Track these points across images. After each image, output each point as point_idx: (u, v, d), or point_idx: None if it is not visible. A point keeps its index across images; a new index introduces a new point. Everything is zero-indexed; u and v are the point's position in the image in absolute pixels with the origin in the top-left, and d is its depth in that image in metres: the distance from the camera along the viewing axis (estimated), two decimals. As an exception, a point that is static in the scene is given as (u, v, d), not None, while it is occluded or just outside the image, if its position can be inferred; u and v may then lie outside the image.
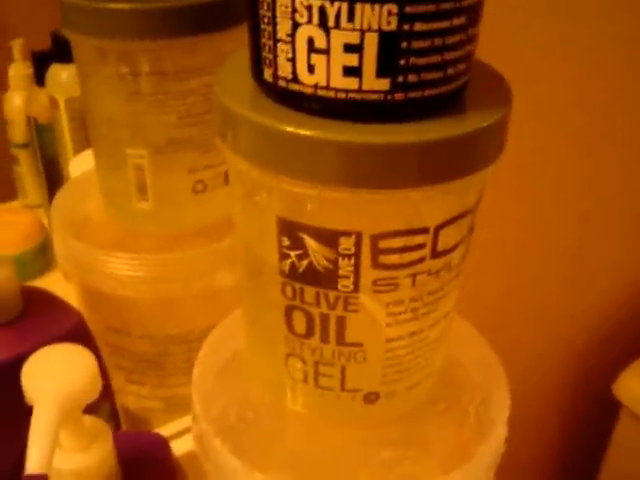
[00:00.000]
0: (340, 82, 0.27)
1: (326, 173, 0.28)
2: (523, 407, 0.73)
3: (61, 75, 0.71)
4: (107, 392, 0.52)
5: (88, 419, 0.35)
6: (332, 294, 0.31)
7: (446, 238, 0.30)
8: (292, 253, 0.30)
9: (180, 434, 0.49)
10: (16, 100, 0.84)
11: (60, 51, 0.72)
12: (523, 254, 0.73)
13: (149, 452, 0.40)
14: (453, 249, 0.31)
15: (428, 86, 0.27)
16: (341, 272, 0.30)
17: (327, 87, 0.27)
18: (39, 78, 0.75)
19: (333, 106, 0.27)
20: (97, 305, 0.51)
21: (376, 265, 0.30)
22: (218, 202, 0.48)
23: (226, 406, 0.38)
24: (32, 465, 0.29)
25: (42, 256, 0.77)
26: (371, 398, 0.34)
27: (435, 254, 0.30)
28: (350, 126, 0.27)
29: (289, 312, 0.32)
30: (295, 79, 0.28)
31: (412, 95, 0.27)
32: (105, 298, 0.49)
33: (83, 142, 0.70)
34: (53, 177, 0.78)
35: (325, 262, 0.30)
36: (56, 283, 0.72)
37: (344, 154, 0.27)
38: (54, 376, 0.32)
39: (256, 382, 0.38)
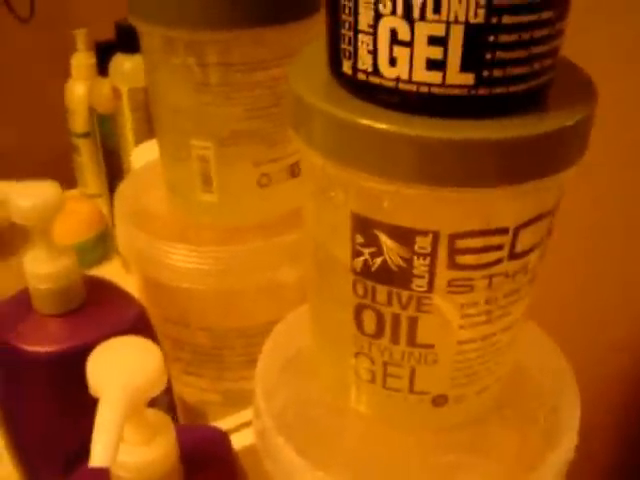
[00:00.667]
0: (423, 76, 0.26)
1: (404, 169, 0.27)
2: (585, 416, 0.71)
3: (124, 65, 0.71)
4: (167, 385, 0.52)
5: (151, 412, 0.35)
6: (405, 294, 0.30)
7: (524, 239, 0.29)
8: (366, 251, 0.30)
9: (238, 428, 0.48)
10: (78, 90, 0.85)
11: (124, 41, 0.72)
12: (591, 256, 0.71)
13: (210, 446, 0.39)
14: (531, 251, 0.30)
15: (513, 82, 0.26)
16: (415, 271, 0.29)
17: (409, 81, 0.26)
18: (102, 68, 0.75)
19: (414, 100, 0.27)
20: (157, 296, 0.51)
21: (452, 265, 0.29)
22: (282, 196, 0.47)
23: (288, 402, 0.37)
24: (96, 458, 0.29)
25: (102, 245, 0.77)
26: (439, 401, 0.33)
27: (513, 256, 0.29)
28: (430, 121, 0.27)
29: (359, 311, 0.31)
30: (376, 72, 0.27)
31: (497, 91, 0.26)
32: (165, 289, 0.49)
33: (145, 133, 0.70)
34: (113, 167, 0.78)
35: (400, 261, 0.29)
36: (115, 272, 0.72)
37: (422, 150, 0.26)
38: (121, 369, 0.32)
39: (319, 380, 0.37)
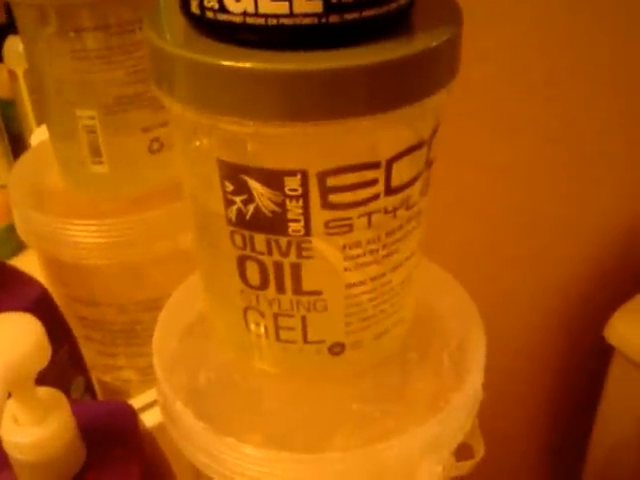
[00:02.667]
0: (269, 7, 0.25)
1: (263, 107, 0.26)
2: (515, 358, 0.71)
3: (18, 47, 0.68)
4: (80, 365, 0.51)
5: (42, 390, 0.33)
6: (283, 240, 0.29)
7: (400, 173, 0.29)
8: (237, 199, 0.28)
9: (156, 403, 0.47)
10: (-24, 78, 0.81)
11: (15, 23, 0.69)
12: (510, 200, 0.71)
13: (115, 421, 0.38)
14: (409, 185, 0.29)
15: (365, 6, 0.25)
16: (290, 215, 0.28)
17: (256, 14, 0.25)
18: (-3, 53, 0.73)
19: (265, 34, 0.25)
20: (62, 276, 0.49)
21: (326, 205, 0.28)
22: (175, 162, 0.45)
23: (190, 369, 0.36)
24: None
25: (13, 236, 0.74)
26: (336, 349, 0.32)
27: (389, 191, 0.29)
28: (284, 55, 0.25)
29: (242, 263, 0.30)
30: (222, 8, 0.26)
31: (349, 17, 0.25)
32: (69, 268, 0.48)
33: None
34: (20, 154, 0.75)
35: (272, 206, 0.28)
36: (29, 264, 0.70)
37: (278, 84, 0.25)
38: (-1, 345, 0.30)
39: (219, 342, 0.36)
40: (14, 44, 0.67)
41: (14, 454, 0.33)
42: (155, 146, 0.45)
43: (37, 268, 0.50)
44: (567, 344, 0.83)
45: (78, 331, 0.51)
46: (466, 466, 0.36)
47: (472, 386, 0.35)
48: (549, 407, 0.87)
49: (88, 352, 0.51)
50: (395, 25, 0.27)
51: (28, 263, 0.59)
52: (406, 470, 0.33)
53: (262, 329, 0.32)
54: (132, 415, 0.38)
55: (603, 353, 0.80)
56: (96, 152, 0.44)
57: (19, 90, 0.68)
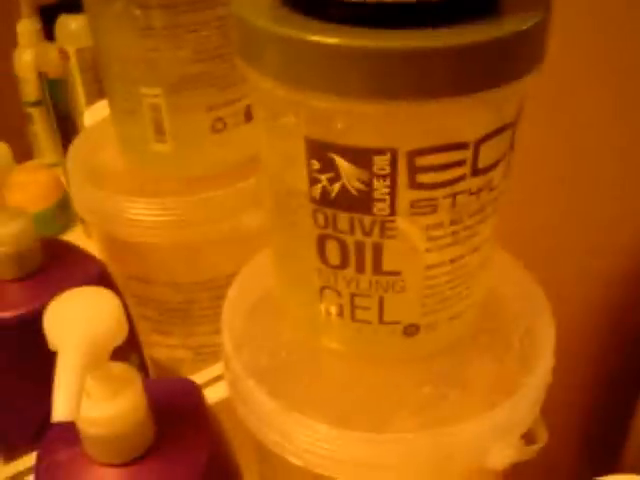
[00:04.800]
0: (368, -17, 0.24)
1: (355, 85, 0.26)
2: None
3: (70, 26, 0.69)
4: (134, 343, 0.51)
5: (116, 366, 0.33)
6: (367, 219, 0.29)
7: (486, 154, 0.28)
8: (323, 177, 0.28)
9: (210, 382, 0.47)
10: (26, 57, 0.82)
11: (67, 1, 0.70)
12: (566, 186, 0.71)
13: (182, 398, 0.38)
14: (494, 166, 0.29)
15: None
16: (376, 194, 0.28)
17: (355, -10, 0.25)
18: (48, 32, 0.73)
19: (361, 11, 0.25)
20: (119, 254, 0.49)
21: (413, 185, 0.28)
22: (240, 141, 0.46)
23: (258, 347, 0.36)
24: (58, 412, 0.28)
25: (62, 214, 0.75)
26: (411, 330, 0.32)
27: (475, 171, 0.28)
28: (380, 33, 0.25)
29: (322, 242, 0.30)
30: (321, -16, 0.25)
31: (445, -5, 0.25)
32: (126, 246, 0.48)
33: (96, 94, 0.68)
34: (68, 133, 0.76)
35: (358, 184, 0.28)
36: (78, 240, 0.70)
37: (373, 63, 0.25)
38: (77, 319, 0.30)
39: (289, 320, 0.36)
40: (66, 23, 0.68)
41: (85, 429, 0.33)
42: (219, 125, 0.45)
43: (86, 245, 0.50)
44: (608, 331, 0.83)
45: (132, 309, 0.51)
46: (533, 450, 0.36)
47: (543, 370, 0.34)
48: (588, 394, 0.87)
49: (142, 330, 0.51)
50: (485, 7, 0.27)
51: (77, 240, 0.59)
52: (476, 454, 0.33)
53: (338, 309, 0.32)
54: (198, 392, 0.38)
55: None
56: (160, 130, 0.44)
57: (70, 69, 0.69)
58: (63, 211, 0.75)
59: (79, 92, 0.70)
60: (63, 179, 0.77)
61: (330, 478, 0.35)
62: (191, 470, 0.34)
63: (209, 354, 0.51)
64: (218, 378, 0.48)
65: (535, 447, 0.36)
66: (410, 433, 0.32)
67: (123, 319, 0.31)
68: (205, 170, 0.46)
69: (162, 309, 0.51)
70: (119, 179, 0.49)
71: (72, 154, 0.51)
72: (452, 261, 0.31)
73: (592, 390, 0.87)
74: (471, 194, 0.29)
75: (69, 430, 0.34)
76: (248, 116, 0.45)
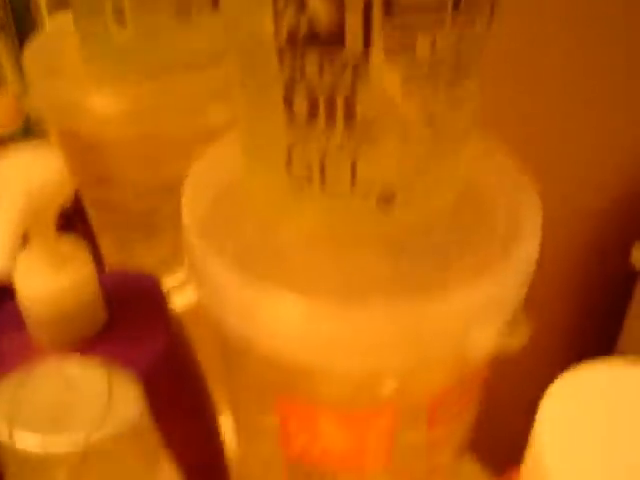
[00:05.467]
0: None
1: None
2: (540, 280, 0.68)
3: None
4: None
5: (64, 239, 0.30)
6: (338, 60, 0.26)
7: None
8: (290, 13, 0.25)
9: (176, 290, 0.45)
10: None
11: None
12: (554, 121, 0.68)
13: (138, 289, 0.35)
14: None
15: None
16: (348, 28, 0.25)
17: None
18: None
19: None
20: (79, 156, 0.46)
21: (389, 12, 0.25)
22: (205, 29, 0.42)
23: (225, 232, 0.33)
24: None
25: (23, 140, 0.71)
26: (386, 197, 0.29)
27: (456, 6, 0.25)
28: None
29: (289, 90, 0.27)
30: None
31: None
32: (86, 146, 0.45)
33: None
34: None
35: (329, 18, 0.25)
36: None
37: None
38: (14, 174, 0.27)
39: (255, 205, 0.33)
40: None
41: (29, 306, 0.30)
42: (183, 10, 0.41)
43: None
44: (593, 268, 0.81)
45: (96, 223, 0.48)
46: (515, 343, 0.33)
47: (528, 251, 0.32)
48: (572, 332, 0.84)
49: (105, 246, 0.49)
50: None
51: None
52: (455, 337, 0.31)
53: (307, 171, 0.29)
54: (156, 285, 0.36)
55: (629, 278, 0.77)
56: (120, 17, 0.41)
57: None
58: (24, 137, 0.71)
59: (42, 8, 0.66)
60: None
61: (298, 375, 0.33)
62: (143, 359, 0.32)
63: (175, 265, 0.48)
64: (183, 285, 0.46)
65: (518, 339, 0.34)
66: (384, 309, 0.29)
67: (66, 175, 0.28)
68: (168, 60, 0.43)
69: (126, 221, 0.48)
70: (79, 73, 0.46)
71: (29, 52, 0.48)
72: (430, 118, 0.28)
73: (576, 325, 0.84)
74: (451, 37, 0.26)
75: (14, 315, 0.31)
76: (215, 2, 0.42)
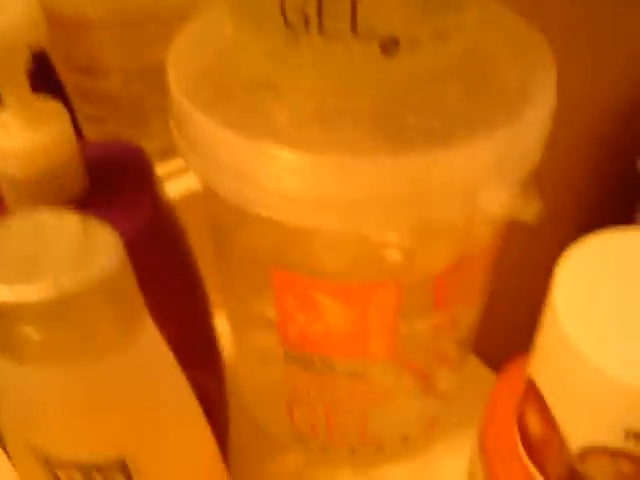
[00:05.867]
0: None
1: None
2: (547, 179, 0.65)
3: None
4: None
5: (40, 97, 0.28)
6: None
7: None
8: None
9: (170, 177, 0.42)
10: None
11: None
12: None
13: (124, 159, 0.33)
14: None
15: None
16: None
17: None
18: None
19: None
20: (63, 41, 0.43)
21: None
22: None
23: (212, 84, 0.31)
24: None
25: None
26: (389, 46, 0.27)
27: None
28: None
29: None
30: None
31: None
32: (69, 29, 0.42)
33: None
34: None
35: None
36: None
37: None
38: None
39: (246, 63, 0.30)
40: None
41: (3, 166, 0.27)
42: None
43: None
44: (599, 174, 0.78)
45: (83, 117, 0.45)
46: (526, 215, 0.31)
47: (545, 104, 0.29)
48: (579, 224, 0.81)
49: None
50: None
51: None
52: (463, 193, 0.28)
53: (303, 17, 0.26)
54: (142, 154, 0.33)
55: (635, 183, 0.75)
56: None
57: None
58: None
59: None
60: None
61: (294, 244, 0.30)
62: (127, 228, 0.29)
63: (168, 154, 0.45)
64: (176, 173, 0.43)
65: (529, 212, 0.31)
66: (390, 162, 0.26)
67: (38, 12, 0.25)
68: None
69: (112, 111, 0.45)
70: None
71: None
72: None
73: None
74: None
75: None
76: None
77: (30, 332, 0.22)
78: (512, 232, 0.37)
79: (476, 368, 0.47)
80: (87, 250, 0.22)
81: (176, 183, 0.43)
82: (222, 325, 0.40)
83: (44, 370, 0.23)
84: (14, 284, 0.21)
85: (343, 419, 0.39)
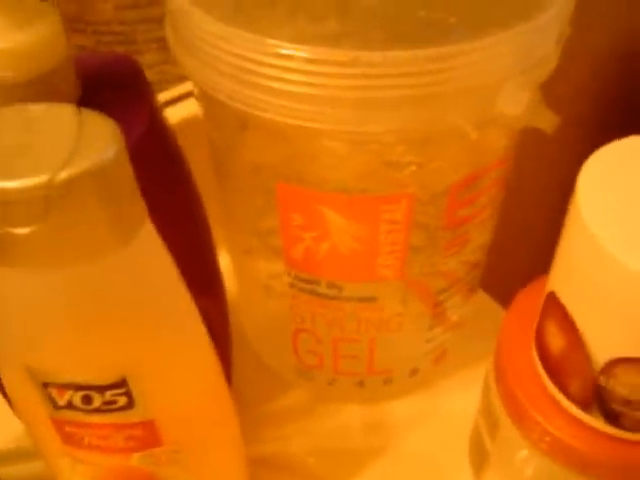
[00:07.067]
0: None
1: None
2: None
3: None
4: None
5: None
6: None
7: None
8: None
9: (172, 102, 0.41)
10: None
11: None
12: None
13: (117, 69, 0.31)
14: None
15: None
16: None
17: None
18: None
19: None
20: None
21: None
22: None
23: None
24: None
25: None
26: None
27: None
28: None
29: None
30: None
31: None
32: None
33: None
34: None
35: None
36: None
37: None
38: None
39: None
40: None
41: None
42: None
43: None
44: (603, 117, 0.76)
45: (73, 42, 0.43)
46: (546, 119, 0.29)
47: (562, 8, 0.27)
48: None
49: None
50: None
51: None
52: (484, 90, 0.26)
53: None
54: (136, 65, 0.31)
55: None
56: None
57: None
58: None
59: None
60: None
61: (301, 153, 0.29)
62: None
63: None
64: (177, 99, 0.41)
65: (546, 123, 0.29)
66: (404, 51, 0.24)
67: None
68: None
69: (102, 35, 0.43)
70: None
71: None
72: None
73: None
74: None
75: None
76: None
77: (20, 228, 0.20)
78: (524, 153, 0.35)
79: (486, 303, 0.45)
80: (83, 140, 0.20)
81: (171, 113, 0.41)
82: (223, 261, 0.38)
83: (36, 273, 0.21)
84: (3, 174, 0.19)
85: (350, 349, 0.37)
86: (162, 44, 0.32)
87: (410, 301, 0.35)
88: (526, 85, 0.27)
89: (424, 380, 0.41)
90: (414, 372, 0.40)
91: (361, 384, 0.39)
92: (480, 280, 0.41)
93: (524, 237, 0.63)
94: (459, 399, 0.41)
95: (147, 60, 0.44)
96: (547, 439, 0.29)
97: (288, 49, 0.25)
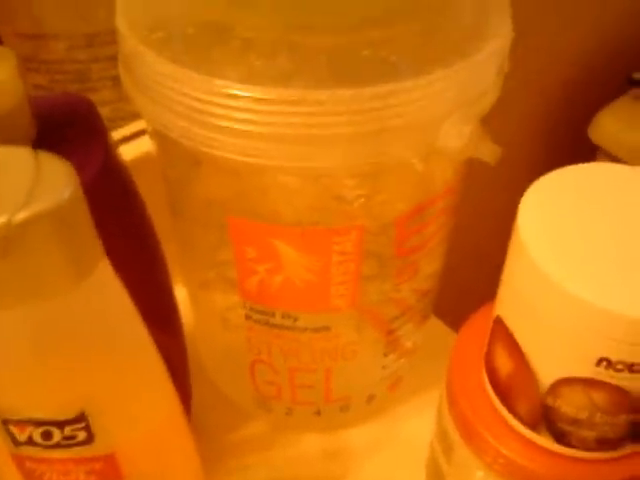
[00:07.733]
0: None
1: None
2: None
3: None
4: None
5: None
6: None
7: None
8: None
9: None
10: None
11: None
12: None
13: (72, 110, 0.31)
14: None
15: None
16: None
17: None
18: None
19: None
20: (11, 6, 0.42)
21: None
22: None
23: (169, 24, 0.29)
24: None
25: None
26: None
27: None
28: None
29: None
30: None
31: None
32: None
33: None
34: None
35: None
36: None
37: None
38: None
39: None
40: None
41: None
42: None
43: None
44: (551, 144, 0.78)
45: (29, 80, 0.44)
46: (488, 151, 0.30)
47: (501, 42, 0.29)
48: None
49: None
50: None
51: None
52: (426, 125, 0.28)
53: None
54: (91, 105, 0.32)
55: (587, 153, 0.75)
56: None
57: None
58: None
59: None
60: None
61: (252, 188, 0.29)
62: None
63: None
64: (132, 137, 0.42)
65: (489, 154, 0.31)
66: (349, 90, 0.25)
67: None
68: None
69: (56, 74, 0.44)
70: None
71: None
72: None
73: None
74: None
75: None
76: None
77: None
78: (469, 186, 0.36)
79: (439, 329, 0.46)
80: (39, 182, 0.21)
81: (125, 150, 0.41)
82: (180, 294, 0.39)
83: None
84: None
85: (307, 378, 0.38)
86: (116, 81, 0.33)
87: (364, 329, 0.36)
88: (467, 119, 0.28)
89: (380, 407, 0.42)
90: (371, 399, 0.41)
91: (318, 413, 0.40)
92: (433, 306, 0.42)
93: (477, 263, 0.65)
94: (415, 424, 0.42)
95: (102, 97, 0.45)
96: (500, 461, 0.30)
97: (236, 89, 0.25)
